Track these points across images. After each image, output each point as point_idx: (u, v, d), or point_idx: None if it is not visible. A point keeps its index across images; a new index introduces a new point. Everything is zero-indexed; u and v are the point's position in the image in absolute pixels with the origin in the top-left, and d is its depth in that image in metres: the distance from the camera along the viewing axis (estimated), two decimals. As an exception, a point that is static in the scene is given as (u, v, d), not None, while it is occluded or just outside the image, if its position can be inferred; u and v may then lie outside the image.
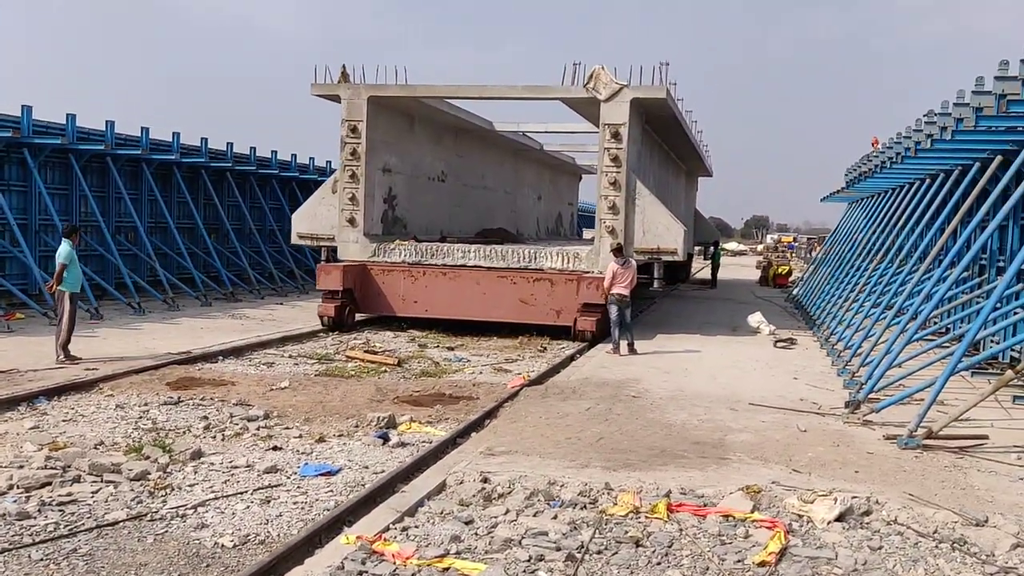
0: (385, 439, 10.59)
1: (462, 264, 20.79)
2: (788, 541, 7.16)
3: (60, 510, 7.73)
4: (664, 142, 28.62)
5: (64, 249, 15.10)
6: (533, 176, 38.38)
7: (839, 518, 7.73)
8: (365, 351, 17.27)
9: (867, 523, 7.80)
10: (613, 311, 17.45)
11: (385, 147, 22.78)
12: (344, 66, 21.41)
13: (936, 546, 7.31)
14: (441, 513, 7.75)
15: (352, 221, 21.33)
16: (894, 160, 19.16)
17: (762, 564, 6.73)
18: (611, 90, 19.81)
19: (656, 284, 21.93)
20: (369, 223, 21.74)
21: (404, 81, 21.31)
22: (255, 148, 32.14)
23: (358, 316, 21.36)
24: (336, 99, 21.39)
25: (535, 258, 20.56)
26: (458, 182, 28.67)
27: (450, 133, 27.61)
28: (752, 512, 7.78)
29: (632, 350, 17.39)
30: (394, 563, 6.53)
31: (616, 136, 19.87)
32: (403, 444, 10.50)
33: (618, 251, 17.71)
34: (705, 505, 8.01)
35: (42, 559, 6.72)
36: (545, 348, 18.76)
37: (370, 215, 21.82)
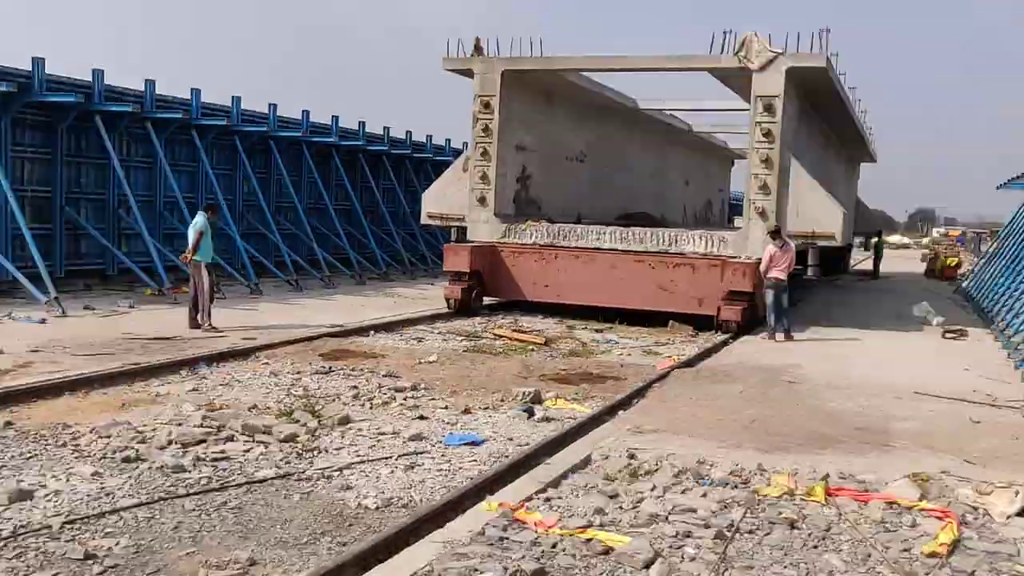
0: (530, 413, 10.44)
1: (597, 247, 19.54)
2: (961, 533, 6.59)
3: (213, 466, 7.91)
4: (825, 121, 26.55)
5: (199, 219, 15.66)
6: (681, 159, 36.41)
7: (1021, 513, 7.08)
8: (513, 330, 17.21)
9: (1053, 519, 7.11)
10: (769, 296, 16.51)
11: (520, 124, 21.76)
12: (477, 39, 20.50)
13: None
14: (585, 486, 7.52)
15: (483, 201, 20.51)
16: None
17: (932, 555, 6.20)
18: (764, 58, 18.14)
19: (811, 272, 20.29)
20: (500, 203, 20.81)
21: (540, 54, 20.32)
22: (411, 132, 32.66)
23: (486, 300, 20.48)
24: (469, 74, 20.56)
25: (676, 241, 19.18)
26: (599, 163, 27.26)
27: (591, 112, 26.26)
28: (920, 501, 7.23)
29: (789, 337, 16.53)
30: (536, 531, 6.35)
31: (769, 109, 18.26)
32: (548, 419, 10.32)
33: (775, 233, 16.64)
34: (867, 491, 7.50)
35: (194, 509, 6.86)
36: (697, 334, 18.15)
37: (502, 195, 20.87)
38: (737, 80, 20.18)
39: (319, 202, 27.83)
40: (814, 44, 18.21)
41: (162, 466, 7.71)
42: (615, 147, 28.41)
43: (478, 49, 20.39)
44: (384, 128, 31.27)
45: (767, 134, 18.26)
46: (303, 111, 27.20)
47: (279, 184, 26.65)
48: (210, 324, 15.25)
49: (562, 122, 24.39)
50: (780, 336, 16.60)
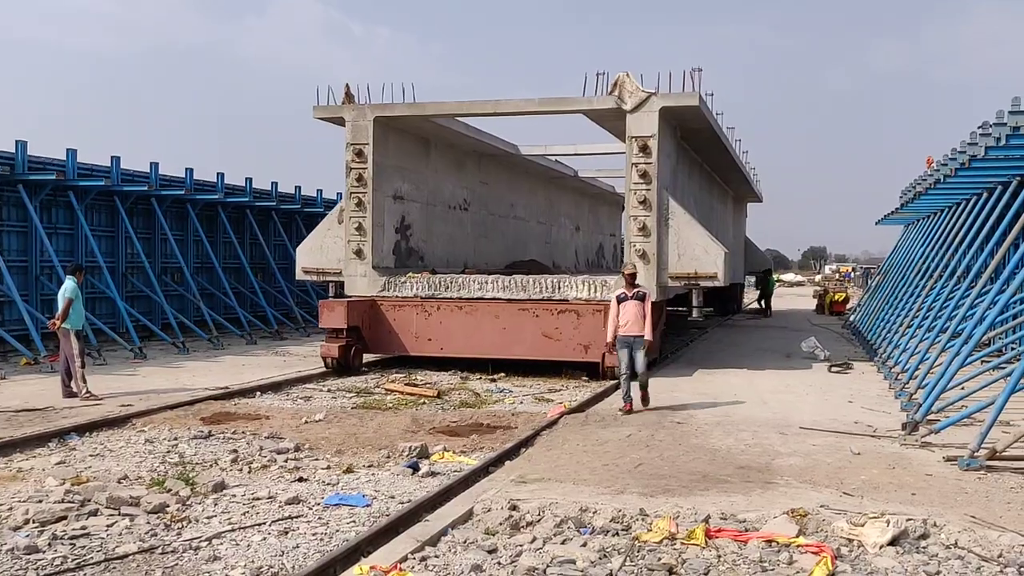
0: (415, 469, 10.21)
1: (480, 296, 18.88)
2: (835, 567, 6.62)
3: (71, 543, 7.46)
4: (706, 163, 26.71)
5: (70, 286, 15.04)
6: (570, 205, 36.40)
7: (892, 542, 7.15)
8: (405, 383, 16.95)
9: (924, 547, 7.21)
10: (623, 357, 13.69)
11: (396, 173, 21.11)
12: (347, 86, 19.78)
13: (1001, 570, 6.72)
14: (464, 542, 7.33)
15: (359, 253, 19.69)
16: (949, 175, 18.46)
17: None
18: (637, 99, 17.93)
19: (696, 313, 19.54)
20: (379, 255, 19.98)
21: (413, 100, 19.63)
22: (300, 187, 32.29)
23: (374, 357, 19.84)
24: (341, 122, 19.87)
25: (559, 288, 18.55)
26: (484, 211, 26.83)
27: (472, 158, 25.80)
28: (797, 536, 7.25)
29: (644, 401, 13.73)
30: (407, 594, 6.12)
31: (644, 149, 17.91)
32: (433, 474, 10.10)
33: (632, 279, 14.00)
34: (747, 530, 7.49)
35: (43, 593, 6.43)
36: (590, 379, 18.11)
37: (379, 246, 20.07)
38: (612, 122, 19.95)
39: (206, 261, 27.16)
40: (686, 83, 18.14)
41: (13, 548, 7.23)
42: (500, 194, 28.13)
43: (349, 96, 19.81)
44: (272, 183, 30.81)
45: (643, 175, 18.01)
46: (186, 169, 26.61)
47: (164, 244, 25.93)
48: (87, 391, 14.61)
49: (442, 170, 23.87)
50: (638, 404, 13.66)
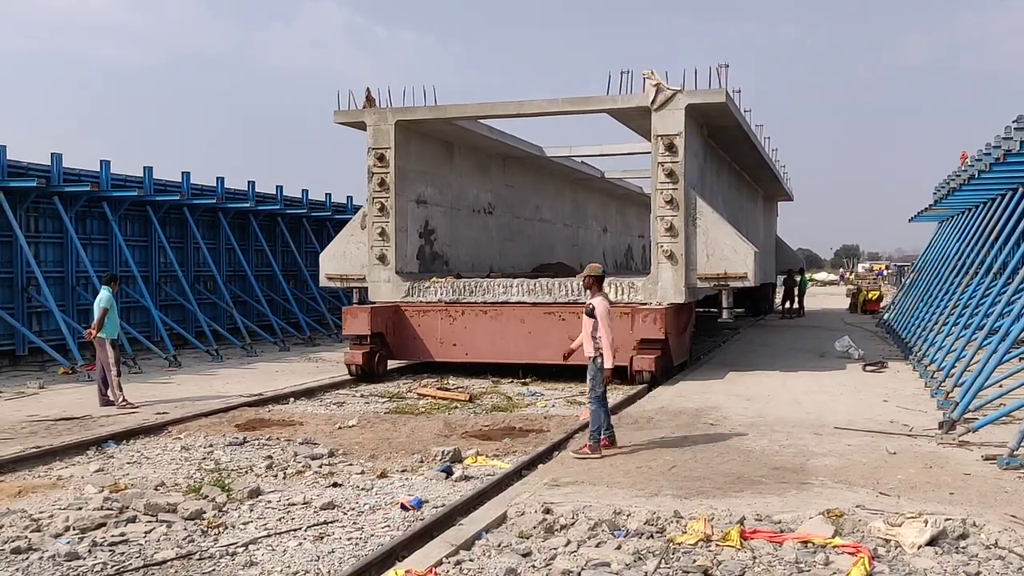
0: (448, 473, 10.24)
1: (504, 301, 18.62)
2: (873, 567, 6.56)
3: (111, 550, 7.55)
4: (735, 161, 26.38)
5: (105, 295, 15.20)
6: (597, 207, 36.13)
7: (931, 542, 7.07)
8: (437, 388, 16.99)
9: (963, 547, 7.13)
10: (601, 384, 10.80)
11: (419, 177, 20.95)
12: (368, 89, 19.57)
13: (1042, 570, 6.61)
14: (498, 546, 7.34)
15: (383, 258, 19.47)
16: (983, 170, 18.23)
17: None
18: (663, 96, 17.57)
19: (726, 315, 18.91)
20: (402, 260, 19.81)
21: (434, 103, 19.46)
22: (330, 194, 32.46)
23: (397, 363, 19.51)
24: (362, 127, 19.69)
25: (585, 290, 18.75)
26: (509, 214, 26.56)
27: (497, 161, 25.57)
28: (833, 537, 7.18)
29: (611, 442, 10.90)
30: (443, 598, 6.14)
31: (671, 148, 17.59)
32: (467, 478, 10.12)
33: (598, 283, 11.34)
34: (782, 531, 7.44)
35: (84, 599, 6.51)
36: (621, 382, 17.94)
37: (403, 251, 19.88)
38: (638, 121, 19.62)
39: (239, 269, 27.39)
40: (712, 80, 17.87)
41: (54, 555, 7.34)
42: (525, 197, 27.96)
43: (369, 100, 19.59)
44: (303, 191, 31.04)
45: (670, 174, 17.67)
46: (218, 178, 26.89)
47: (196, 252, 26.19)
48: (124, 399, 14.77)
49: (466, 173, 23.68)
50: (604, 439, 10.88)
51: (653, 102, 17.73)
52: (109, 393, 14.86)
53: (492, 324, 18.53)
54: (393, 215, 19.55)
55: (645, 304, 17.52)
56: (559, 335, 17.36)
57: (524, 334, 18.23)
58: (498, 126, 23.25)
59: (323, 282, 20.60)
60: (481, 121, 21.78)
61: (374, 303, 19.36)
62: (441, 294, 19.13)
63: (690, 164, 18.07)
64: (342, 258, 20.11)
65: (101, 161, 22.58)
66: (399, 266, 19.62)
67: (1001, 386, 12.57)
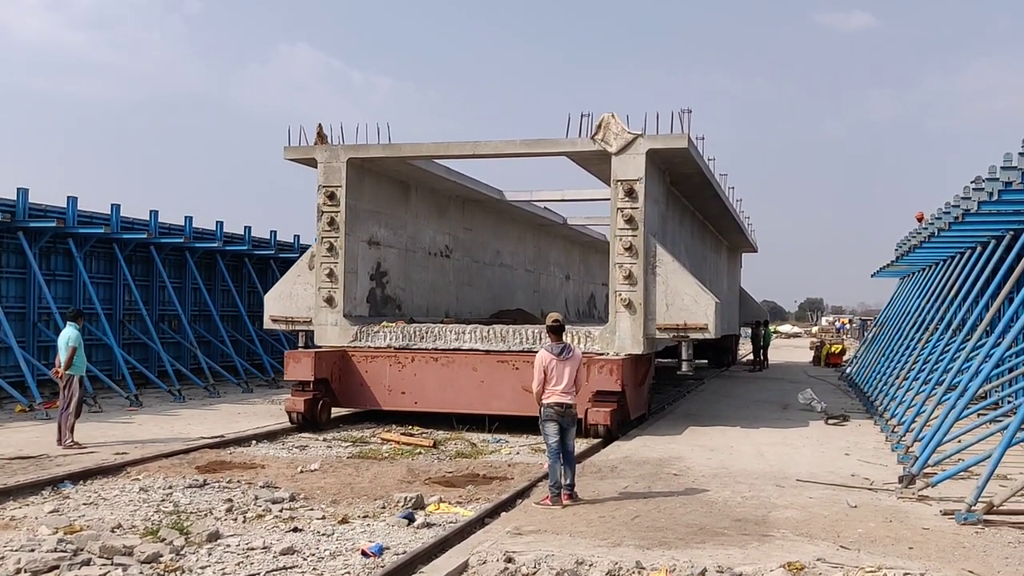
0: (411, 520, 10.16)
1: (456, 348, 17.86)
2: (832, 621, 6.58)
3: (63, 594, 7.41)
4: (698, 210, 25.92)
5: (73, 333, 15.03)
6: (560, 253, 35.70)
7: (889, 597, 7.12)
8: (401, 432, 16.90)
9: (921, 602, 7.18)
10: (551, 431, 10.73)
11: (372, 217, 20.18)
12: (320, 125, 18.91)
13: (998, 626, 6.67)
14: (460, 594, 7.29)
15: (330, 301, 18.60)
16: (943, 229, 18.62)
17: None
18: (623, 140, 17.09)
19: (685, 367, 17.95)
20: (351, 303, 18.99)
21: (388, 141, 18.70)
22: (298, 236, 32.44)
23: (338, 411, 18.66)
24: (313, 163, 18.95)
25: (540, 338, 17.10)
26: (468, 258, 25.84)
27: (456, 204, 24.97)
28: (794, 590, 7.21)
29: (572, 496, 10.69)
30: (402, 646, 6.08)
31: (630, 193, 17.03)
32: (429, 525, 10.05)
33: (556, 331, 11.09)
34: (743, 584, 7.45)
35: (35, 644, 6.37)
36: (578, 435, 17.74)
37: (352, 294, 19.05)
38: (597, 165, 19.11)
39: (204, 309, 27.21)
40: (675, 125, 17.27)
41: (5, 597, 7.19)
42: (485, 241, 27.35)
43: (321, 137, 18.91)
44: (271, 232, 30.97)
45: (629, 220, 17.09)
46: (186, 217, 26.85)
47: (162, 291, 26.00)
48: (72, 440, 14.52)
49: (423, 215, 22.98)
50: (565, 496, 10.65)
51: (612, 146, 17.24)
52: (60, 430, 14.60)
53: (443, 372, 17.77)
54: (343, 256, 18.77)
55: (602, 354, 16.87)
56: (513, 384, 16.70)
57: (476, 383, 17.51)
58: (459, 168, 22.88)
59: (267, 324, 19.64)
60: (439, 162, 21.37)
61: (320, 347, 18.60)
62: (390, 339, 18.36)
63: (650, 211, 17.62)
64: (288, 299, 19.23)
65: (68, 197, 22.46)
66: (347, 309, 18.84)
67: (959, 441, 12.73)
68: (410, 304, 21.98)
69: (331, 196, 18.78)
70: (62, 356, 14.96)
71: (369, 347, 18.36)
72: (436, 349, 18.02)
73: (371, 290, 20.26)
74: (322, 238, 18.84)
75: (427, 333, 18.27)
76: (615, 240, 17.41)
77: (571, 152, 18.55)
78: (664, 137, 17.28)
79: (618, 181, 17.30)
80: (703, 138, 19.41)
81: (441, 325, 18.82)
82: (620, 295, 17.18)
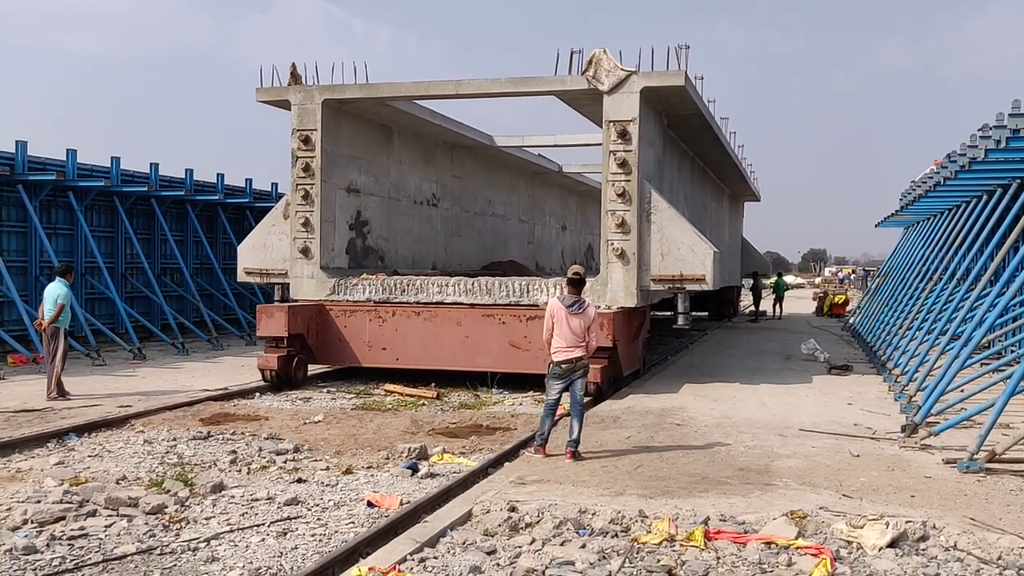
0: (414, 470, 10.20)
1: (439, 301, 16.92)
2: (835, 568, 6.61)
3: (69, 544, 7.45)
4: (698, 156, 24.67)
5: (63, 290, 14.97)
6: (555, 203, 34.36)
7: (892, 544, 7.15)
8: (404, 384, 16.91)
9: (923, 549, 7.21)
10: (554, 389, 10.65)
11: (351, 163, 19.02)
12: (294, 65, 17.74)
13: (1000, 573, 6.72)
14: (463, 543, 7.32)
15: (306, 252, 17.64)
16: (949, 177, 18.45)
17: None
18: (615, 78, 15.90)
19: (682, 320, 16.98)
20: (328, 254, 17.98)
21: (365, 80, 17.54)
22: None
23: (319, 368, 18.04)
24: (287, 106, 17.86)
25: (528, 291, 16.49)
26: (457, 207, 24.59)
27: (444, 150, 23.61)
28: (796, 538, 7.24)
29: (575, 453, 10.37)
30: (406, 595, 6.12)
31: (624, 135, 15.90)
32: (433, 475, 10.10)
33: (576, 284, 10.86)
34: (746, 532, 7.48)
35: (41, 594, 6.42)
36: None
37: (329, 244, 18.05)
38: (589, 105, 17.85)
39: (206, 262, 27.17)
40: (671, 63, 16.11)
41: (11, 548, 7.22)
42: (476, 190, 26.24)
43: (295, 77, 17.79)
44: (272, 184, 30.81)
45: (622, 164, 16.00)
46: (187, 169, 26.62)
47: (164, 244, 25.93)
48: (55, 392, 14.55)
49: (407, 161, 21.76)
50: (566, 452, 10.42)
51: (603, 84, 16.09)
52: (48, 381, 14.66)
53: (425, 327, 16.86)
54: (319, 204, 17.71)
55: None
56: (499, 340, 16.29)
57: (461, 338, 16.65)
58: (447, 113, 21.80)
59: (241, 276, 18.85)
60: (425, 105, 20.28)
61: (296, 301, 17.80)
62: (370, 292, 17.40)
63: (645, 154, 16.52)
64: (262, 250, 18.28)
65: (67, 150, 22.31)
66: (324, 261, 17.86)
67: (963, 391, 12.72)
68: (394, 255, 20.97)
69: (305, 140, 17.72)
70: (47, 310, 14.90)
71: (347, 301, 17.47)
72: (418, 303, 17.09)
73: (351, 240, 19.25)
74: (297, 185, 17.79)
75: (408, 286, 17.33)
76: (607, 185, 16.39)
77: (560, 91, 17.28)
78: (660, 74, 16.16)
79: (610, 122, 16.19)
80: (702, 78, 18.45)
81: (423, 277, 17.91)
82: (612, 244, 16.26)
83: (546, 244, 33.52)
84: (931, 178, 21.22)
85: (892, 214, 30.17)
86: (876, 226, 35.32)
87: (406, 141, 21.64)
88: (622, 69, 16.04)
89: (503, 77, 17.31)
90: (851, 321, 32.72)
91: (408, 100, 19.09)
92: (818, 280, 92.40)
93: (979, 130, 16.07)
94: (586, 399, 13.40)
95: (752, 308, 38.59)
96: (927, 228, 25.53)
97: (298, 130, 17.73)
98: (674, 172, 20.81)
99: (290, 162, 17.84)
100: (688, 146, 22.89)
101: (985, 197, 18.02)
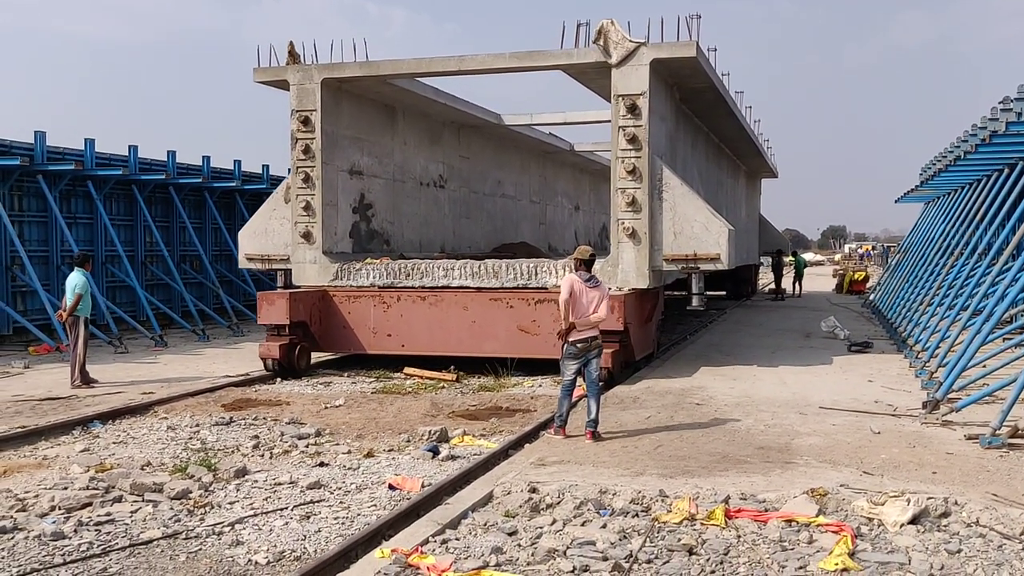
0: (435, 452, 10.26)
1: (445, 285, 16.48)
2: (856, 545, 6.62)
3: (96, 530, 7.54)
4: (712, 132, 23.96)
5: (80, 279, 15.08)
6: (568, 183, 33.65)
7: (913, 520, 7.14)
8: (423, 367, 16.97)
9: (945, 525, 7.20)
10: (569, 369, 10.67)
11: (353, 144, 18.51)
12: (292, 43, 17.30)
13: (1023, 548, 6.68)
14: (485, 524, 7.37)
15: (308, 236, 17.22)
16: (969, 151, 18.29)
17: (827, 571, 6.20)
18: (624, 50, 15.30)
19: (696, 302, 16.47)
20: (331, 239, 17.54)
21: (366, 59, 17.08)
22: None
23: (323, 355, 17.69)
24: (285, 86, 17.39)
25: (536, 274, 16.09)
26: (465, 189, 24.01)
27: (451, 130, 22.99)
28: (817, 516, 7.25)
29: (595, 434, 10.39)
30: (429, 576, 6.17)
31: (633, 110, 15.32)
32: (453, 457, 10.15)
33: (587, 264, 10.77)
34: (766, 510, 7.49)
35: (70, 579, 6.52)
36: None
37: (332, 228, 17.61)
38: (597, 80, 17.32)
39: (225, 248, 27.30)
40: (683, 33, 15.52)
41: (40, 534, 7.32)
42: (485, 170, 25.58)
43: (293, 56, 17.32)
44: (288, 169, 30.81)
45: (632, 139, 15.43)
46: (203, 156, 26.72)
47: (182, 232, 26.08)
48: (79, 380, 14.70)
49: (412, 142, 21.16)
50: (586, 433, 10.43)
51: (612, 57, 15.54)
52: (72, 370, 14.81)
53: (431, 312, 16.45)
54: (320, 187, 17.25)
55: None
56: (507, 325, 15.95)
57: (468, 323, 16.25)
58: (454, 91, 21.23)
59: (242, 263, 18.50)
60: (429, 83, 19.77)
61: (296, 288, 17.40)
62: (374, 277, 16.94)
63: (656, 129, 15.87)
64: (263, 235, 17.87)
65: (85, 139, 22.39)
66: (327, 245, 17.43)
67: (984, 366, 12.66)
68: (400, 239, 20.43)
69: (305, 121, 17.23)
70: (69, 300, 15.04)
71: (351, 286, 17.07)
72: (424, 287, 16.64)
73: (354, 224, 18.75)
74: (297, 167, 17.33)
75: (413, 270, 16.82)
76: (617, 162, 15.80)
77: (567, 65, 16.68)
78: (670, 45, 15.52)
79: (619, 96, 15.59)
80: (715, 50, 17.80)
81: (429, 261, 17.43)
82: (623, 223, 15.67)
83: (558, 225, 32.99)
84: (950, 152, 21.06)
85: (912, 189, 29.95)
86: (896, 202, 35.06)
87: (411, 121, 21.08)
88: (631, 41, 15.47)
89: (507, 52, 16.79)
90: (871, 298, 32.56)
91: (410, 77, 18.51)
92: (837, 257, 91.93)
93: (999, 103, 15.93)
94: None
95: (772, 286, 38.46)
96: (947, 203, 25.33)
97: (297, 111, 17.30)
98: (687, 148, 20.25)
99: (289, 144, 17.45)
100: (702, 121, 22.26)
101: (1006, 171, 17.86)
